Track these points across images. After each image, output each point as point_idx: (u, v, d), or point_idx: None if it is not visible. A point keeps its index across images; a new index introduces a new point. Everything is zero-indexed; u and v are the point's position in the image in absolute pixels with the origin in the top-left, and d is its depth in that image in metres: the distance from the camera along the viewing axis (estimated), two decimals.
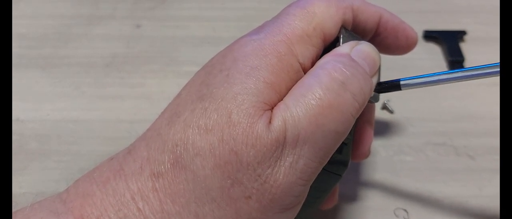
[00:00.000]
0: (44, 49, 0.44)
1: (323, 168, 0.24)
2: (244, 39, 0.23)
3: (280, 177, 0.20)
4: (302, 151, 0.20)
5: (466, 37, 0.45)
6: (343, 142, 0.25)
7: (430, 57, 0.43)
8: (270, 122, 0.20)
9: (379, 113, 0.39)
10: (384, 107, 0.39)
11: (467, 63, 0.42)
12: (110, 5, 0.48)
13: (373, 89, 0.24)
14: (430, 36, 0.45)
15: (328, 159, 0.22)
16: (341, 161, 0.25)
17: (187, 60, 0.43)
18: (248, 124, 0.20)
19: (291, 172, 0.20)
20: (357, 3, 0.26)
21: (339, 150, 0.25)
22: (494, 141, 0.36)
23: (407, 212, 0.32)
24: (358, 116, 0.22)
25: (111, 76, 0.41)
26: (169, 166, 0.20)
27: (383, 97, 0.39)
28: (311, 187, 0.24)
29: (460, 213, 0.32)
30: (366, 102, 0.23)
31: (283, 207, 0.21)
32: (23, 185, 0.33)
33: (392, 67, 0.36)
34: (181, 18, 0.47)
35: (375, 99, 0.26)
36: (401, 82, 0.26)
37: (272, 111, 0.21)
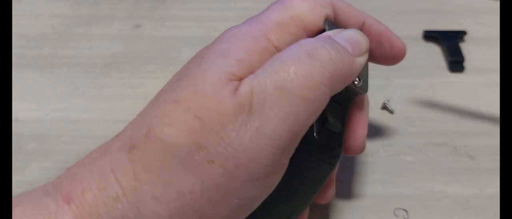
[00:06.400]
0: (44, 49, 0.44)
1: (314, 156, 0.24)
2: (225, 30, 0.25)
3: (245, 141, 0.20)
4: (269, 116, 0.21)
5: (466, 37, 0.45)
6: (333, 131, 0.25)
7: (430, 57, 0.43)
8: (237, 89, 0.21)
9: (379, 113, 0.39)
10: (384, 107, 0.39)
11: (467, 63, 0.42)
12: (110, 5, 0.48)
13: (356, 68, 0.24)
14: (430, 36, 0.45)
15: (302, 129, 0.22)
16: (332, 150, 0.25)
17: (187, 60, 0.43)
18: (213, 92, 0.21)
19: (258, 137, 0.21)
20: (340, 4, 0.27)
21: (330, 138, 0.25)
22: (494, 141, 0.36)
23: (407, 212, 0.32)
24: (332, 88, 0.22)
25: (111, 76, 0.41)
26: (143, 138, 0.22)
27: (383, 97, 0.39)
28: (303, 176, 0.24)
29: (460, 213, 0.32)
30: (341, 74, 0.23)
31: (252, 175, 0.21)
32: (23, 185, 0.33)
33: (391, 66, 0.35)
34: (181, 18, 0.47)
35: (363, 89, 0.26)
36: None
37: (241, 82, 0.22)
